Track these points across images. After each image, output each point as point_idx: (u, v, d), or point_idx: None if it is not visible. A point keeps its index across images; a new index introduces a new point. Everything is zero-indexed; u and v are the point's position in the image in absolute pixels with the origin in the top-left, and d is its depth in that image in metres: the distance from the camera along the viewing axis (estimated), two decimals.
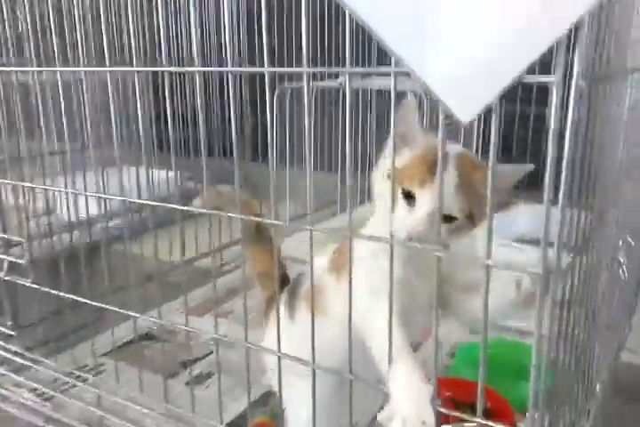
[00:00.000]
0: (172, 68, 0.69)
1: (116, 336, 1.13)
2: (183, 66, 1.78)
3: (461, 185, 0.61)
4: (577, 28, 0.43)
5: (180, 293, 1.45)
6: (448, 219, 0.62)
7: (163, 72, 0.71)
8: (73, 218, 0.96)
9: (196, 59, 0.68)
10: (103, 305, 0.88)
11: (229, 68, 0.65)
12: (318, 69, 0.58)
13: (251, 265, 0.94)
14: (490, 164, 0.49)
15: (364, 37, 1.74)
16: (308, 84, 0.57)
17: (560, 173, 0.47)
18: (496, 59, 0.46)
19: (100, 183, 0.99)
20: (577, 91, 0.45)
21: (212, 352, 1.26)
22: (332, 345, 0.68)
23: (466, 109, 0.48)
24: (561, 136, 0.47)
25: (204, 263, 1.69)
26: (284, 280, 0.90)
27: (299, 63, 0.58)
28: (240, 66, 1.96)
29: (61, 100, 0.86)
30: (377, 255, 0.66)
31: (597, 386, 0.84)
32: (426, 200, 0.61)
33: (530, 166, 0.63)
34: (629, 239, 0.90)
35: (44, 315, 1.31)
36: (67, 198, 0.95)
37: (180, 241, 0.82)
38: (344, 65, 0.55)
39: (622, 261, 0.85)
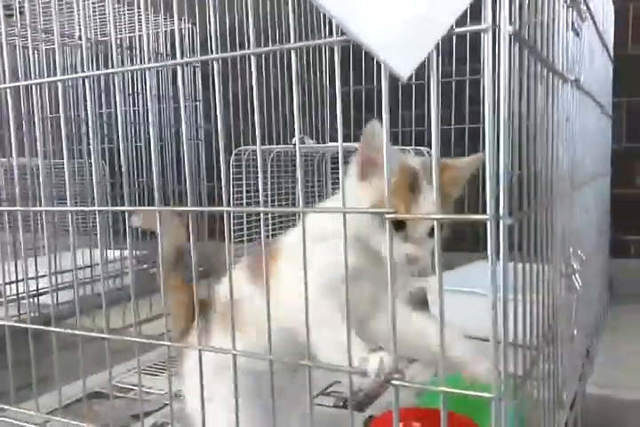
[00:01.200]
0: None
1: (62, 396, 1.06)
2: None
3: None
4: None
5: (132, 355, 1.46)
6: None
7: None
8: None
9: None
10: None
11: None
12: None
13: (166, 293, 0.85)
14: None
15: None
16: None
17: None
18: (427, 13, 0.49)
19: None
20: (505, 36, 0.48)
21: (165, 405, 1.19)
22: (250, 363, 0.69)
23: (404, 65, 0.51)
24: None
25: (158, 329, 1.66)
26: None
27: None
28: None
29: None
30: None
31: (564, 395, 0.81)
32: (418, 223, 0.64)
33: (480, 155, 0.67)
34: (580, 253, 0.92)
35: None
36: None
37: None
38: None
39: (575, 267, 0.86)
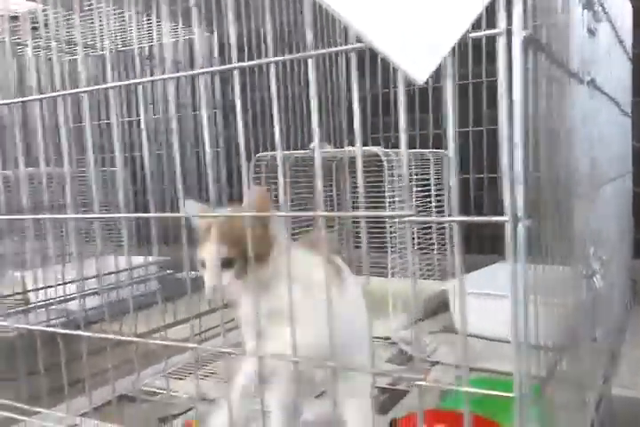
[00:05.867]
0: None
1: (92, 399, 1.08)
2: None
3: (222, 236, 0.76)
4: None
5: (160, 359, 1.47)
6: (229, 263, 0.77)
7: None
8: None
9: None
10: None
11: None
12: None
13: None
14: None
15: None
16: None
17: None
18: (441, 17, 0.50)
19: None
20: (519, 40, 0.49)
21: (192, 408, 1.20)
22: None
23: (419, 70, 0.52)
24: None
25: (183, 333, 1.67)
26: None
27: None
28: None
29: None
30: None
31: (587, 397, 0.81)
32: (206, 256, 0.78)
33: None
34: (600, 254, 0.91)
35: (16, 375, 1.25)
36: None
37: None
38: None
39: (596, 268, 0.85)
